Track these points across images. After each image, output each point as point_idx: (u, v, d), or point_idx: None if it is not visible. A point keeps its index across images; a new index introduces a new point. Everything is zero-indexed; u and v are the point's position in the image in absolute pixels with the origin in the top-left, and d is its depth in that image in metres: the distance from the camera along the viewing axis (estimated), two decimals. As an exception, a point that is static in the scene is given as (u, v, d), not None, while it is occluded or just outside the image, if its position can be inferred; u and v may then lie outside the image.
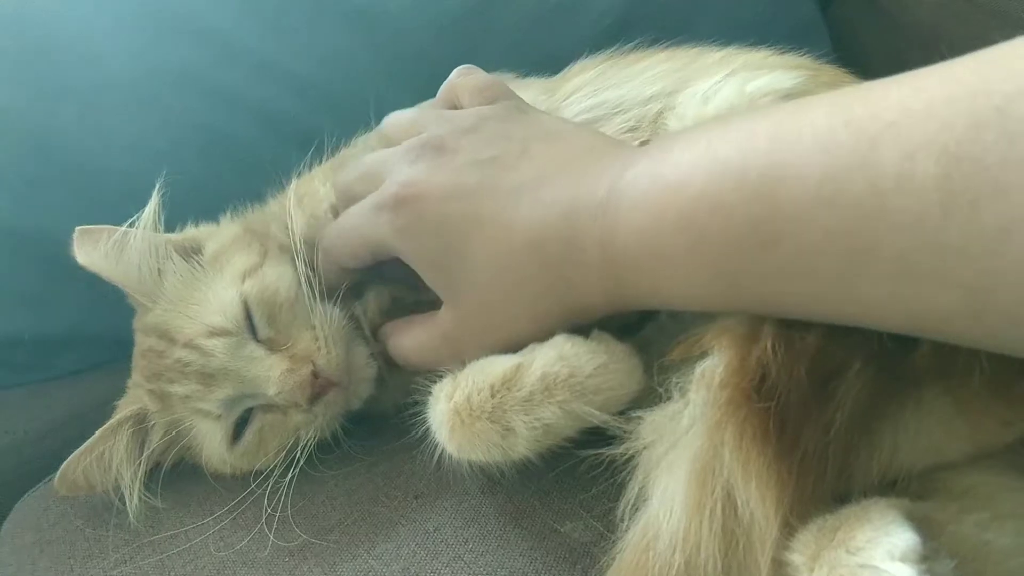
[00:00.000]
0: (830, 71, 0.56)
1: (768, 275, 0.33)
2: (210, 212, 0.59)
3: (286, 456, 0.49)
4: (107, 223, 0.53)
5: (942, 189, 0.27)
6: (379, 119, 0.52)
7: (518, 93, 0.53)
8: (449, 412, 0.41)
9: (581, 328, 0.42)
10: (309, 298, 0.50)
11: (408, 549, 0.43)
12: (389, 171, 0.45)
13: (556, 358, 0.40)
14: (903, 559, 0.29)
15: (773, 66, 0.54)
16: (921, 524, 0.31)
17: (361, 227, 0.46)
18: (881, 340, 0.33)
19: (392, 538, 0.44)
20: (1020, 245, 0.26)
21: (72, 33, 0.74)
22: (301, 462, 0.48)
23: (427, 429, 0.43)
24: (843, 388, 0.34)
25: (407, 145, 0.46)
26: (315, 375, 0.49)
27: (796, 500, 0.33)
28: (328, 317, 0.50)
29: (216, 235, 0.57)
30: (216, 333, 0.50)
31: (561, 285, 0.40)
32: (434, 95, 0.57)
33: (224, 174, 0.74)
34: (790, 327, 0.35)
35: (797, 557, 0.32)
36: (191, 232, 0.58)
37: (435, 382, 0.43)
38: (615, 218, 0.37)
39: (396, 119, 0.51)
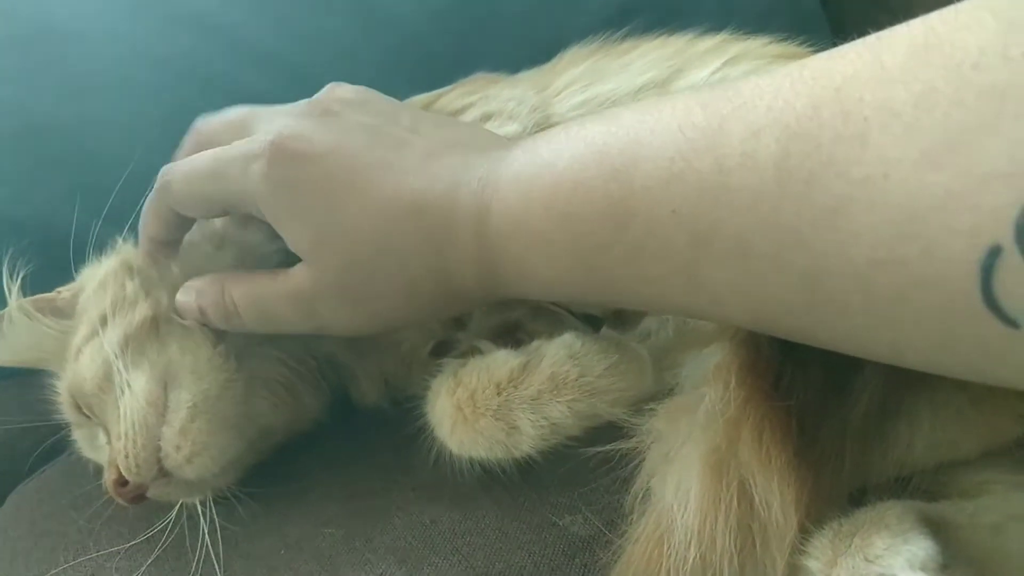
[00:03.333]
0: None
1: (621, 257, 0.32)
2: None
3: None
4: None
5: (780, 167, 0.27)
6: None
7: (508, 90, 0.52)
8: (451, 408, 0.40)
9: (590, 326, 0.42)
10: (120, 374, 0.42)
11: (405, 541, 0.42)
12: (264, 123, 0.42)
13: (566, 357, 0.39)
14: (923, 568, 0.29)
15: (771, 56, 0.54)
16: (937, 527, 0.31)
17: (224, 174, 0.41)
18: None
19: (388, 531, 0.43)
20: (846, 226, 0.26)
21: (67, 20, 0.73)
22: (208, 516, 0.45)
23: (424, 422, 0.43)
24: (859, 384, 0.34)
25: (288, 106, 0.43)
26: (119, 483, 0.43)
27: (813, 498, 0.32)
28: (134, 398, 0.42)
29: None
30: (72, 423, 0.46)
31: (436, 260, 0.38)
32: (432, 85, 0.56)
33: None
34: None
35: (813, 563, 0.32)
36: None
37: (434, 377, 0.43)
38: (492, 195, 0.36)
39: None
